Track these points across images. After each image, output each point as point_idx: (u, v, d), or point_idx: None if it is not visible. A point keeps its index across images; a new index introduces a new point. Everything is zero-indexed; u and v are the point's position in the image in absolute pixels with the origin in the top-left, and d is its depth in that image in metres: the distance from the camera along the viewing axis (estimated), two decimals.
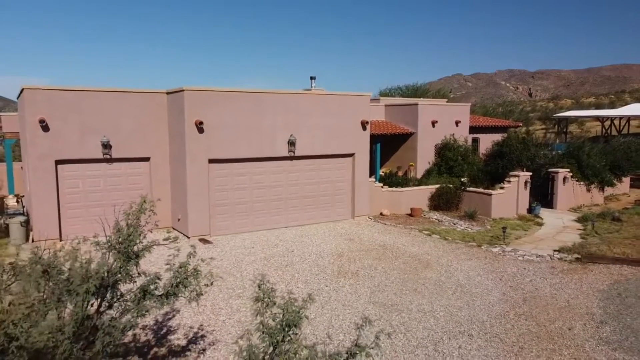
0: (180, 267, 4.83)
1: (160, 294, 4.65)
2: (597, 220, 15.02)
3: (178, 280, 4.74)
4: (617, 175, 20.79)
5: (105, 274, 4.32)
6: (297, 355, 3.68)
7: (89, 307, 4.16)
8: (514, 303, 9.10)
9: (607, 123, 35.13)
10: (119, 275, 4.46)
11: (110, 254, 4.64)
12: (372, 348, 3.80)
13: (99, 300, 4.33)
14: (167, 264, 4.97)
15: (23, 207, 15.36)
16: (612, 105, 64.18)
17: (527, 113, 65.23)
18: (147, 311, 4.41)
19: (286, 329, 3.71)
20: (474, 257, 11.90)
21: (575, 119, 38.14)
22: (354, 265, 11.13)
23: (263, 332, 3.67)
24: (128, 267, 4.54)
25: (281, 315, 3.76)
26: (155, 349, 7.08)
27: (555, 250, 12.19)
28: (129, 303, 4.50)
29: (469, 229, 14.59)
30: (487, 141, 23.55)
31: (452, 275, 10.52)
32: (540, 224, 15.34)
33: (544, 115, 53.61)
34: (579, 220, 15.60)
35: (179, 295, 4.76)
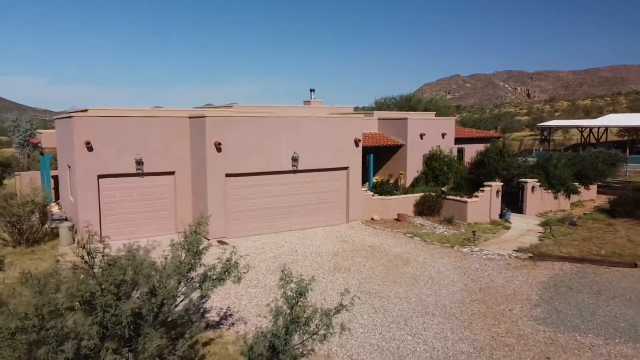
0: (227, 261, 7.28)
1: (215, 277, 7.10)
2: (556, 224, 17.51)
3: (225, 269, 7.19)
4: (584, 184, 23.29)
5: (182, 266, 6.77)
6: (305, 312, 6.14)
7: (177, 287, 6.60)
8: (472, 292, 11.58)
9: (587, 132, 37.66)
10: (190, 266, 6.90)
11: (183, 252, 7.09)
12: (348, 308, 6.25)
13: (179, 282, 6.77)
14: (218, 259, 7.42)
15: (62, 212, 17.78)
16: (607, 107, 67.02)
17: (516, 120, 67.78)
18: (209, 289, 6.86)
19: (298, 297, 6.17)
20: (446, 255, 14.38)
21: (557, 128, 40.62)
22: (347, 263, 13.60)
23: (285, 298, 6.13)
24: (195, 261, 6.99)
25: (293, 287, 6.21)
26: (197, 324, 9.54)
27: (514, 250, 14.67)
28: (196, 283, 6.96)
29: (446, 232, 17.08)
30: (471, 151, 26.02)
31: (425, 270, 13.00)
32: (508, 228, 17.85)
33: (532, 122, 56.14)
34: (541, 224, 18.07)
35: (227, 279, 7.21)
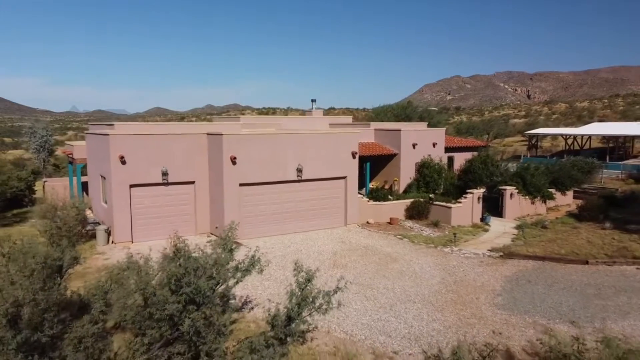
0: (252, 257, 9.65)
1: (244, 269, 9.47)
2: (529, 227, 19.90)
3: (251, 262, 9.57)
4: (560, 190, 25.67)
5: (222, 259, 9.15)
6: (311, 294, 8.51)
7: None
8: (447, 284, 13.96)
9: (571, 140, 40.06)
10: (227, 259, 9.28)
11: (219, 249, 9.46)
12: (343, 290, 8.63)
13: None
14: (245, 255, 9.79)
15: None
16: (604, 109, 69.33)
17: (510, 124, 70.18)
18: (240, 278, 9.22)
19: (307, 282, 8.55)
20: (429, 254, 16.77)
21: (544, 136, 43.03)
22: (344, 260, 15.99)
23: (297, 283, 8.51)
24: (230, 256, 9.36)
25: (302, 275, 8.58)
26: (233, 302, 11.92)
27: (488, 250, 17.06)
28: (229, 273, 9.33)
29: (432, 234, 19.47)
30: (461, 159, 28.42)
31: (410, 267, 15.39)
32: (487, 230, 20.23)
33: (526, 127, 58.49)
34: (516, 227, 20.42)
35: (252, 270, 9.57)
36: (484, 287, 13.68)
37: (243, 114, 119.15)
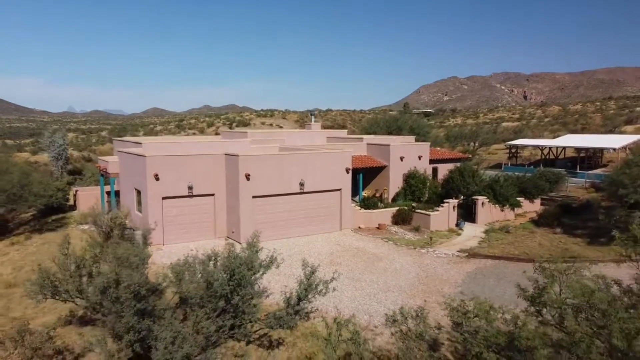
0: (271, 256, 13.32)
1: (265, 265, 13.13)
2: (495, 232, 23.63)
3: (270, 260, 13.24)
4: (528, 198, 29.43)
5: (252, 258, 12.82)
6: (314, 282, 12.22)
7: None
8: (420, 278, 17.67)
9: (547, 150, 43.90)
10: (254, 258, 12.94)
11: (247, 251, 13.12)
12: (336, 278, 12.33)
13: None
14: (273, 253, 13.48)
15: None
16: (596, 112, 73.23)
17: (502, 128, 74.06)
18: (263, 271, 12.87)
19: (311, 273, 12.26)
20: (409, 254, 20.48)
21: (523, 147, 46.87)
22: (339, 259, 19.68)
23: (304, 274, 12.20)
24: (255, 255, 13.03)
25: (309, 269, 12.29)
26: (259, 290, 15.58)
27: (457, 251, 20.78)
28: (258, 267, 12.99)
29: (412, 238, 23.20)
30: (444, 169, 32.17)
31: (392, 265, 19.09)
32: (459, 234, 23.96)
33: (507, 137, 62.31)
34: (485, 232, 24.17)
35: (271, 266, 13.23)
36: (448, 280, 17.41)
37: (242, 116, 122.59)
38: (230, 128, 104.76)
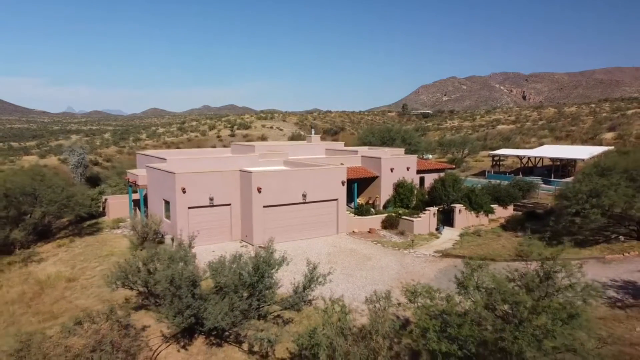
0: (283, 255, 17.51)
1: (278, 263, 17.31)
2: (468, 235, 27.82)
3: (282, 259, 17.44)
4: (502, 205, 33.64)
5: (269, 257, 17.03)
6: (316, 275, 16.45)
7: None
8: (400, 274, 21.88)
9: (526, 159, 48.12)
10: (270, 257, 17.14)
11: (264, 251, 17.33)
12: (332, 273, 16.55)
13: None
14: (284, 253, 17.68)
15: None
16: (589, 115, 77.44)
17: (496, 134, 78.32)
18: (277, 268, 17.04)
19: (313, 268, 16.49)
20: (393, 255, 24.68)
21: (505, 156, 51.17)
22: (335, 259, 23.90)
23: (308, 269, 16.42)
24: (270, 256, 17.23)
25: (311, 266, 16.52)
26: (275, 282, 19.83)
27: (434, 251, 24.98)
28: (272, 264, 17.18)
29: (398, 241, 27.40)
30: (430, 178, 36.43)
31: (379, 263, 23.30)
32: (438, 238, 28.16)
33: (497, 144, 66.53)
34: (460, 235, 28.36)
35: (283, 264, 17.41)
36: (423, 275, 21.63)
37: (242, 119, 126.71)
38: (232, 131, 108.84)
